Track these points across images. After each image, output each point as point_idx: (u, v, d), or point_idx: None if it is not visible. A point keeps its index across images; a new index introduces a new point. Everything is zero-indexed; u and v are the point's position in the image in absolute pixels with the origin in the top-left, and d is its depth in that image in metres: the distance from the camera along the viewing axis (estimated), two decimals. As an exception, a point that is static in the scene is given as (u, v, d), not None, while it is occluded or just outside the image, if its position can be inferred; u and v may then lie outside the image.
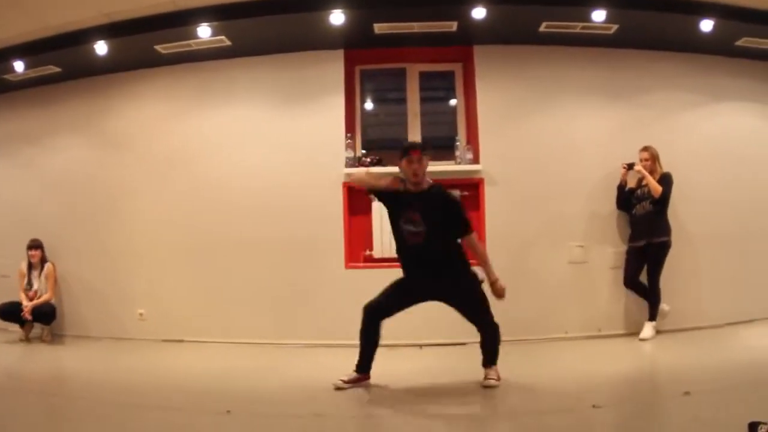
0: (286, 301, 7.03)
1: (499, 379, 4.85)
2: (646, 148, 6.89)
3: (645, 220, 6.82)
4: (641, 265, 6.87)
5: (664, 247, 6.77)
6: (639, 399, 4.40)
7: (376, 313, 4.93)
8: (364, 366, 4.97)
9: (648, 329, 6.70)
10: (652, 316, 6.75)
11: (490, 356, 4.95)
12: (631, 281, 6.89)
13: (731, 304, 7.09)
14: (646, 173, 6.82)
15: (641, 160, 6.89)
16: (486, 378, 4.86)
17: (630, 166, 7.00)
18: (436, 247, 4.84)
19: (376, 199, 5.56)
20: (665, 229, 6.79)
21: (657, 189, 6.72)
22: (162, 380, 5.45)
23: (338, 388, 4.80)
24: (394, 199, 4.96)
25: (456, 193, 6.83)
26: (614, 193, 7.10)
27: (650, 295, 6.78)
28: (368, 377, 4.98)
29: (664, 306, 6.79)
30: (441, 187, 5.07)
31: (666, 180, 6.76)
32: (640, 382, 4.95)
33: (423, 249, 4.84)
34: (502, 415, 4.25)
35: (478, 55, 7.24)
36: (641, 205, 6.86)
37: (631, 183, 7.04)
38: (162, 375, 5.70)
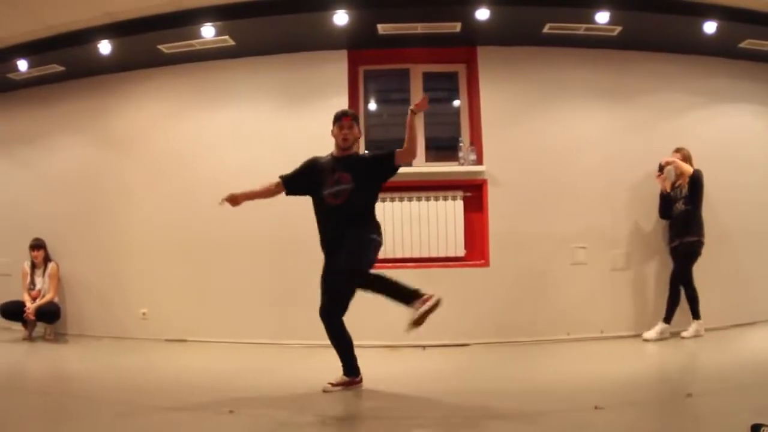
0: (288, 301, 7.03)
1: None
2: (678, 150, 6.93)
3: (680, 221, 6.86)
4: None
5: (693, 246, 6.78)
6: (642, 400, 4.39)
7: (326, 314, 4.94)
8: (349, 369, 4.95)
9: (694, 327, 6.72)
10: (695, 314, 6.74)
11: (403, 296, 4.57)
12: (676, 282, 6.88)
13: (734, 306, 7.08)
14: (674, 160, 6.87)
15: (670, 163, 6.94)
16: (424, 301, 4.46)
17: (661, 170, 7.01)
18: (356, 206, 4.78)
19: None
20: (697, 228, 6.80)
21: (688, 170, 6.78)
22: (164, 380, 5.45)
23: (325, 391, 4.77)
24: (316, 173, 4.98)
25: (458, 194, 6.87)
26: (616, 195, 7.12)
27: (687, 296, 6.78)
28: (359, 380, 4.94)
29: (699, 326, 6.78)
30: (372, 153, 5.14)
31: (696, 177, 6.78)
32: (642, 383, 4.94)
33: (343, 210, 4.77)
34: (504, 416, 4.25)
35: (482, 56, 7.25)
36: (676, 206, 6.90)
37: (667, 187, 7.04)
38: (164, 375, 5.71)
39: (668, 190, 6.98)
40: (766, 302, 7.22)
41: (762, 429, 3.21)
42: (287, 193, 5.19)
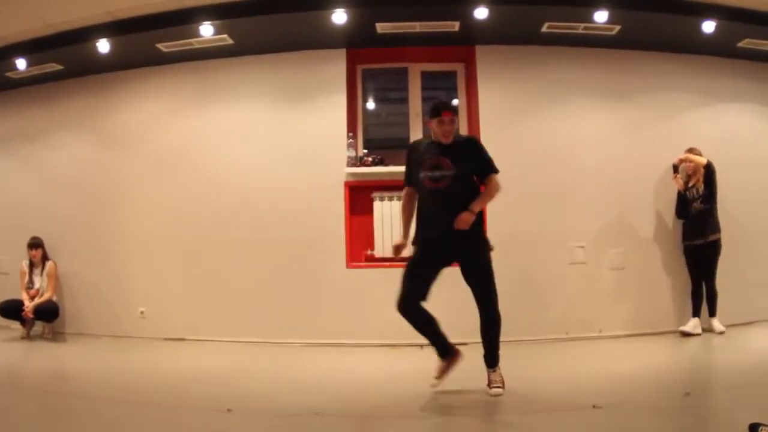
0: (287, 300, 7.03)
1: (503, 385, 4.68)
2: (690, 150, 6.97)
3: (699, 220, 6.89)
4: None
5: (718, 243, 6.85)
6: (640, 399, 4.40)
7: (407, 302, 4.71)
8: (443, 350, 4.80)
9: (716, 324, 6.81)
10: (713, 312, 6.85)
11: (492, 351, 4.78)
12: (698, 279, 6.94)
13: (732, 306, 7.07)
14: (686, 155, 6.95)
15: (684, 160, 7.00)
16: (490, 385, 4.70)
17: (676, 170, 7.07)
18: (460, 190, 4.71)
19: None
20: (717, 226, 6.87)
21: (701, 161, 6.85)
22: (163, 378, 5.46)
23: (435, 386, 4.71)
24: (418, 157, 4.87)
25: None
26: (615, 195, 7.13)
27: (709, 293, 6.87)
28: (456, 354, 4.80)
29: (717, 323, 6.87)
30: (467, 136, 5.12)
31: (710, 166, 6.83)
32: (641, 382, 4.94)
33: (445, 195, 4.69)
34: (503, 415, 4.25)
35: (480, 55, 7.25)
36: (693, 205, 6.92)
37: (680, 186, 7.10)
38: (163, 373, 5.71)
39: (682, 190, 7.02)
40: (764, 302, 7.22)
41: (760, 428, 3.22)
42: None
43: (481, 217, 4.83)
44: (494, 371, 4.77)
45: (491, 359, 4.80)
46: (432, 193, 4.74)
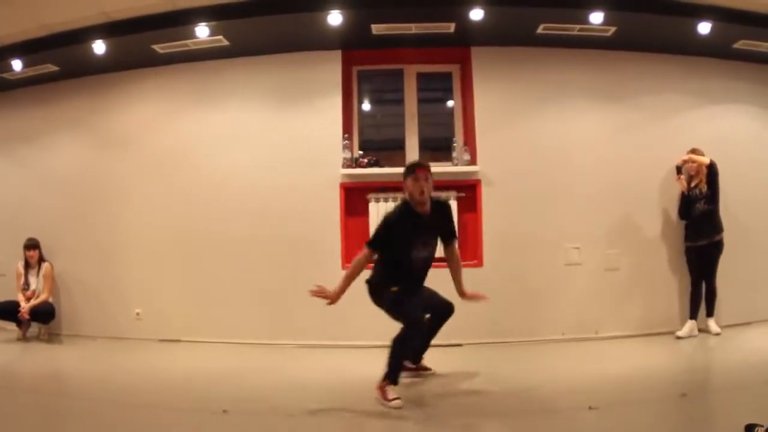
0: (283, 301, 7.02)
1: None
2: (693, 150, 6.97)
3: (703, 220, 6.89)
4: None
5: (721, 244, 6.86)
6: (636, 400, 4.41)
7: (420, 318, 4.89)
8: (397, 376, 4.72)
9: (713, 325, 6.83)
10: (711, 312, 6.89)
11: (427, 342, 5.32)
12: (699, 280, 6.94)
13: (729, 307, 7.09)
14: (689, 156, 6.95)
15: (687, 161, 7.01)
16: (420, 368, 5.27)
17: (679, 171, 7.08)
18: (431, 258, 5.04)
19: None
20: (720, 227, 6.89)
21: (704, 160, 6.85)
22: (159, 380, 5.46)
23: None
24: (406, 229, 4.86)
25: (452, 194, 6.88)
26: (610, 196, 7.13)
27: (709, 293, 6.89)
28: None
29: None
30: (436, 199, 5.13)
31: (712, 172, 6.84)
32: (637, 383, 4.95)
33: (428, 266, 5.03)
34: (498, 415, 4.26)
35: (476, 56, 7.24)
36: (696, 206, 6.92)
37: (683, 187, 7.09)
38: (159, 375, 5.70)
39: (685, 191, 7.02)
40: (761, 302, 7.24)
41: (756, 429, 3.23)
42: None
43: None
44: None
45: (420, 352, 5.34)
46: (418, 269, 5.01)
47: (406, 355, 4.86)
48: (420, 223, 4.87)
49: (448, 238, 5.09)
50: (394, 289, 4.87)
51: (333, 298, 4.75)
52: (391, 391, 4.50)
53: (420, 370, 5.25)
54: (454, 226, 5.13)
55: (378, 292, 4.96)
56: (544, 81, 7.21)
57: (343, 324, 6.70)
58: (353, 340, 6.60)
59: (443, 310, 5.08)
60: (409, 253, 4.86)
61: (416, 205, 4.87)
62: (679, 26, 6.64)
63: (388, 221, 4.91)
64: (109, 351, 6.93)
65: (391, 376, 4.58)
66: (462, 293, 5.07)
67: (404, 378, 4.87)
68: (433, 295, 5.09)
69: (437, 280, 5.11)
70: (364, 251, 4.88)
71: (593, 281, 7.08)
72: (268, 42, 7.07)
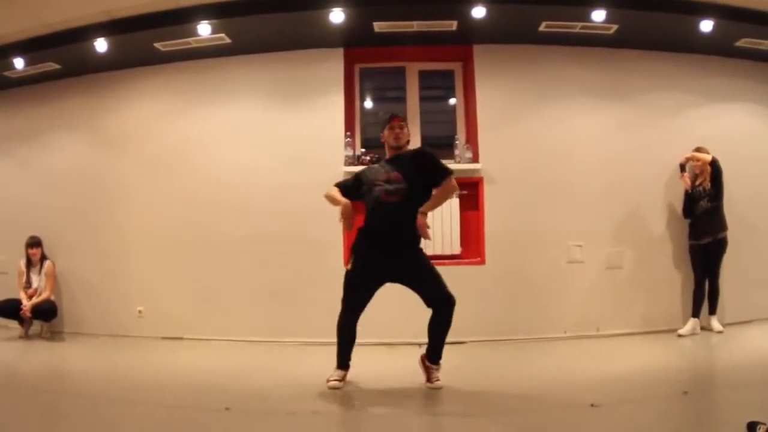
0: (284, 299, 7.03)
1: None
2: (698, 149, 6.98)
3: (706, 218, 6.90)
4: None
5: (725, 241, 6.88)
6: (638, 398, 4.40)
7: (352, 318, 5.00)
8: (345, 362, 5.03)
9: (715, 323, 6.87)
10: (713, 310, 6.93)
11: (437, 347, 4.91)
12: (703, 278, 6.95)
13: (732, 305, 7.09)
14: (692, 154, 6.98)
15: (690, 159, 7.05)
16: (432, 380, 4.88)
17: (683, 168, 7.11)
18: (410, 207, 4.77)
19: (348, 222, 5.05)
20: (724, 224, 6.90)
21: (706, 158, 6.87)
22: (161, 377, 5.45)
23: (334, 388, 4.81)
24: (367, 176, 5.03)
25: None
26: (612, 194, 7.13)
27: (712, 291, 6.92)
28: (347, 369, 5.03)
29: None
30: (417, 148, 5.19)
31: (716, 169, 6.86)
32: (639, 381, 4.94)
33: (398, 209, 4.78)
34: (500, 413, 4.25)
35: (478, 54, 7.24)
36: (700, 203, 6.93)
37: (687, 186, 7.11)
38: (161, 372, 5.70)
39: (688, 190, 7.03)
40: (762, 300, 7.23)
41: (758, 426, 3.22)
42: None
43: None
44: (437, 367, 4.93)
45: (437, 356, 4.93)
46: (384, 208, 4.83)
47: (342, 338, 5.02)
48: (389, 164, 4.96)
49: (439, 180, 4.90)
50: (348, 266, 4.93)
51: (341, 203, 4.93)
52: (334, 372, 4.92)
53: (425, 371, 5.01)
54: (441, 166, 4.94)
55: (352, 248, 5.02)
56: (546, 79, 7.20)
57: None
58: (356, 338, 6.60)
59: (439, 303, 4.80)
60: (371, 188, 4.90)
61: (391, 150, 5.02)
62: (681, 24, 6.63)
63: (361, 169, 5.20)
64: (111, 349, 6.94)
65: (337, 360, 4.99)
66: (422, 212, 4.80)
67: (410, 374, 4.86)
68: (430, 281, 4.83)
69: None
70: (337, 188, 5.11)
71: (595, 279, 7.08)
72: (270, 40, 7.07)
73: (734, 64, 7.47)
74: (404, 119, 5.13)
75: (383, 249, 4.83)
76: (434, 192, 4.92)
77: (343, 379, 4.91)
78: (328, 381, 4.83)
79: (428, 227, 4.79)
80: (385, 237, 4.83)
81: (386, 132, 5.02)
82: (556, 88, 7.21)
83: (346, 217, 4.89)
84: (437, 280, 4.84)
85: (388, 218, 4.82)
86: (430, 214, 4.81)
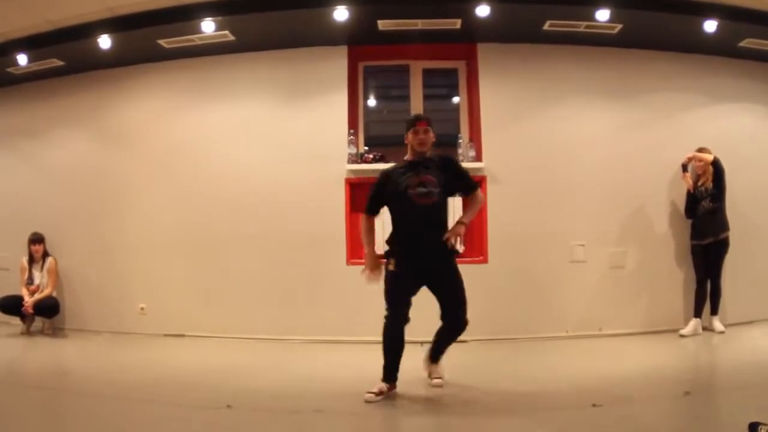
0: (287, 297, 7.04)
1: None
2: (701, 150, 6.98)
3: (708, 218, 6.89)
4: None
5: (727, 242, 6.88)
6: (639, 398, 4.40)
7: (401, 326, 4.73)
8: (392, 376, 4.74)
9: (717, 324, 6.85)
10: (715, 310, 6.92)
11: (440, 350, 4.95)
12: (705, 278, 6.94)
13: (733, 305, 7.09)
14: (693, 154, 6.99)
15: (692, 159, 7.05)
16: (434, 377, 4.91)
17: (685, 168, 7.11)
18: (441, 210, 4.80)
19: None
20: (726, 225, 6.89)
21: (707, 158, 6.87)
22: (163, 375, 5.46)
23: (369, 401, 4.53)
24: (396, 180, 4.82)
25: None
26: (615, 193, 7.13)
27: (714, 291, 6.92)
28: (395, 385, 4.74)
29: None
30: (440, 154, 5.07)
31: (718, 170, 6.86)
32: (640, 381, 4.94)
33: (432, 211, 4.73)
34: (502, 412, 4.25)
35: (482, 52, 7.24)
36: (702, 204, 6.92)
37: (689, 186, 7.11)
38: (163, 370, 5.71)
39: (691, 190, 7.03)
40: (763, 301, 7.22)
41: (760, 427, 3.22)
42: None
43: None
44: (438, 365, 4.98)
45: (437, 355, 4.98)
46: (419, 211, 4.72)
47: (390, 346, 4.72)
48: (415, 167, 4.81)
49: (467, 192, 4.96)
50: (391, 267, 4.76)
51: (372, 269, 4.80)
52: (380, 384, 4.62)
53: (427, 368, 5.02)
54: (468, 178, 4.94)
55: (386, 255, 4.88)
56: (550, 78, 7.20)
57: (348, 320, 6.71)
58: (358, 335, 6.59)
59: (452, 322, 4.79)
60: (404, 191, 4.73)
61: (415, 154, 4.88)
62: (685, 24, 6.63)
63: (379, 177, 4.98)
64: (113, 346, 6.95)
65: (383, 373, 4.68)
66: (460, 221, 4.79)
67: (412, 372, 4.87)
68: (456, 297, 4.77)
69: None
70: (362, 218, 4.98)
71: (598, 279, 7.08)
72: (274, 37, 7.07)
73: (738, 65, 7.45)
74: (429, 123, 4.95)
75: (419, 252, 4.72)
76: (463, 202, 4.99)
77: (382, 393, 4.58)
78: (370, 393, 4.53)
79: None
80: (421, 239, 4.73)
81: (410, 135, 4.88)
82: (559, 87, 7.20)
83: (371, 269, 4.80)
84: (462, 301, 4.79)
85: (423, 220, 4.73)
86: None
